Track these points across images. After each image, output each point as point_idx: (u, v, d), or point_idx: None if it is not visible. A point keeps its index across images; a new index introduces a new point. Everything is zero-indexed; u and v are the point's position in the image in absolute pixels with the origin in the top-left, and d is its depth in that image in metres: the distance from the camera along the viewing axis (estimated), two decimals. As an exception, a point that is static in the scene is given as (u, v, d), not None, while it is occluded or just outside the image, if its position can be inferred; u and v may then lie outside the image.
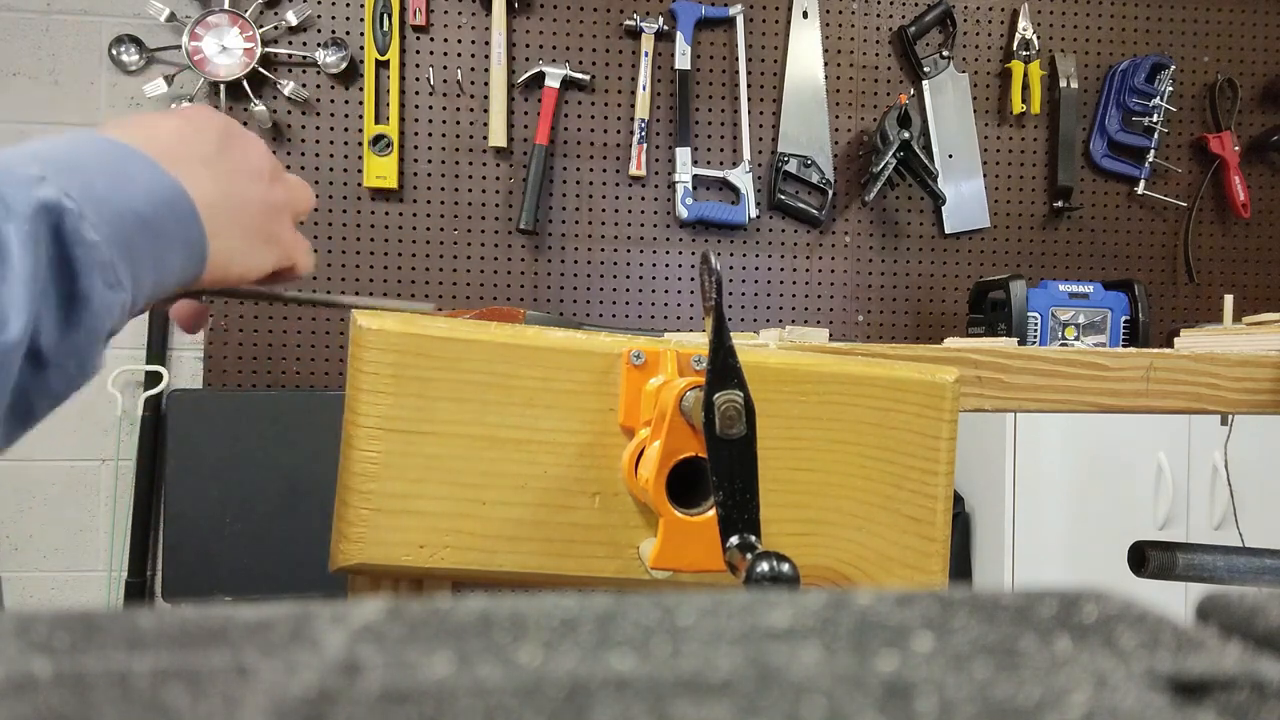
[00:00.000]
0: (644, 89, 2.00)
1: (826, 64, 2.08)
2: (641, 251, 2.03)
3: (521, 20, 1.98)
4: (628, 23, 1.99)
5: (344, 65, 1.90)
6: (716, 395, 0.41)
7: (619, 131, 2.02)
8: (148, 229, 0.40)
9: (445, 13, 1.96)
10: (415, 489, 0.49)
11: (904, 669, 0.15)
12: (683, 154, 2.00)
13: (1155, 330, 2.08)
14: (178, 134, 0.45)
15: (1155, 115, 2.12)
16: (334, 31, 1.92)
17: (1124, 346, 1.63)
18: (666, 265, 2.03)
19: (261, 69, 1.86)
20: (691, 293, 2.04)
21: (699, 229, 2.04)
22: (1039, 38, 2.12)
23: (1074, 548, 1.81)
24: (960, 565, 1.92)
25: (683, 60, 2.01)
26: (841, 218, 2.09)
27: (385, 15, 1.90)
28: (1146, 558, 0.80)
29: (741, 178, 2.02)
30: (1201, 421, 1.81)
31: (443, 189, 1.96)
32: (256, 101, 1.85)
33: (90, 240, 0.37)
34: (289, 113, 1.92)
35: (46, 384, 0.38)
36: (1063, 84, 2.12)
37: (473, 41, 1.97)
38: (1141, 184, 2.14)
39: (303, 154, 1.92)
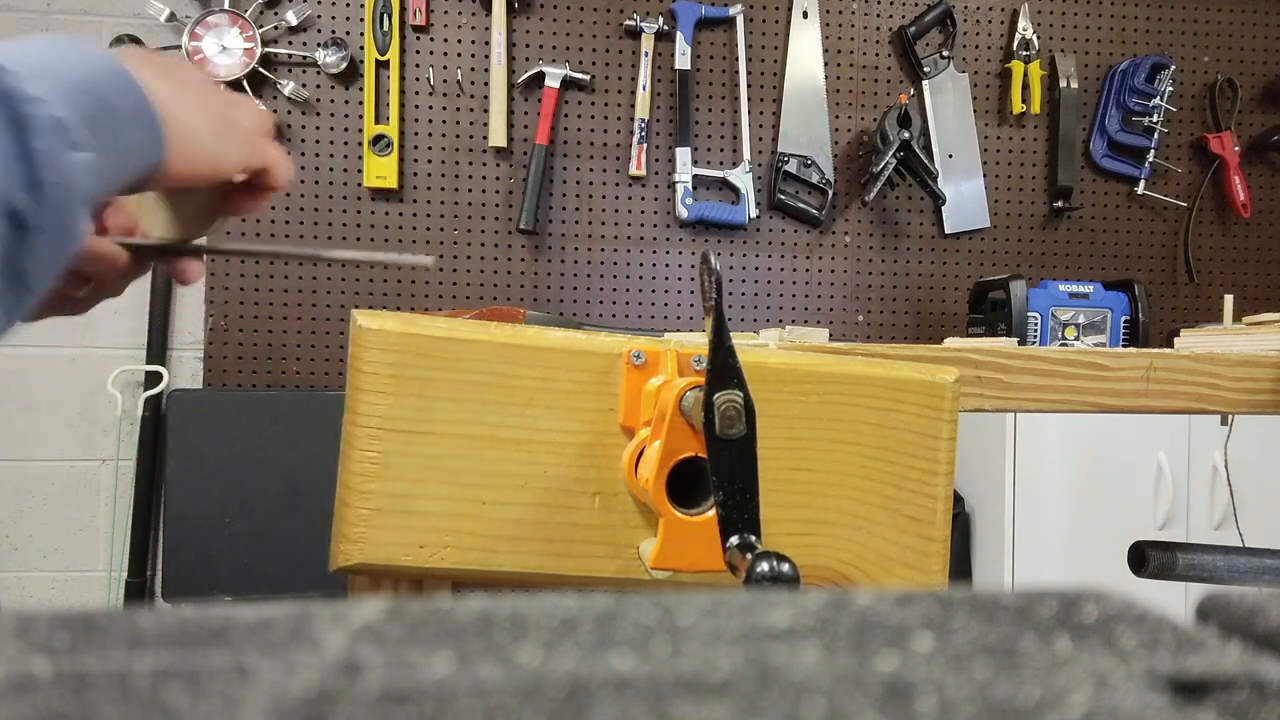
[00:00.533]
0: (644, 89, 2.00)
1: (826, 64, 2.08)
2: (641, 251, 2.03)
3: (521, 20, 1.98)
4: (628, 23, 1.99)
5: (344, 65, 1.90)
6: (716, 395, 0.41)
7: (619, 131, 2.02)
8: (93, 97, 0.41)
9: (445, 13, 1.96)
10: (415, 489, 0.49)
11: (904, 669, 0.15)
12: (683, 154, 2.00)
13: (1155, 330, 2.08)
14: (116, 51, 0.47)
15: (1155, 115, 2.12)
16: (334, 31, 1.92)
17: (1124, 346, 1.63)
18: (666, 265, 2.03)
19: (261, 69, 1.86)
20: (691, 293, 2.04)
21: (699, 229, 2.04)
22: (1039, 38, 2.12)
23: (1074, 548, 1.81)
24: (960, 565, 1.92)
25: (683, 60, 2.01)
26: (841, 218, 2.09)
27: (385, 15, 1.90)
28: (1146, 558, 0.80)
29: (741, 178, 2.02)
30: (1201, 421, 1.81)
31: (443, 189, 1.96)
32: (257, 101, 1.85)
33: (34, 95, 0.37)
34: (289, 113, 1.92)
35: (34, 250, 0.38)
36: (1063, 84, 2.12)
37: (473, 41, 1.97)
38: (1141, 184, 2.14)
39: (303, 154, 1.92)
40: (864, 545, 0.55)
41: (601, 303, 2.01)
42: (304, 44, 1.92)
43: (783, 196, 2.03)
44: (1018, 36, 2.11)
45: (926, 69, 2.09)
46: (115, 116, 0.42)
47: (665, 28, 2.00)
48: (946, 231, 2.11)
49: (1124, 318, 1.74)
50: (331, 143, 1.93)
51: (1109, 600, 0.18)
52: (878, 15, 2.10)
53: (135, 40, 1.85)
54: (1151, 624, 0.17)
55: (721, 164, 2.04)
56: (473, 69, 1.97)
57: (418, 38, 1.95)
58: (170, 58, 0.50)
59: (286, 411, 1.86)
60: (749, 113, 2.04)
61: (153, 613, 0.17)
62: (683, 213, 1.99)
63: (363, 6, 1.93)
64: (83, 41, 0.43)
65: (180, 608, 0.17)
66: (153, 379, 1.85)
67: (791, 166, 2.04)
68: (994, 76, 2.14)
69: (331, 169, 1.93)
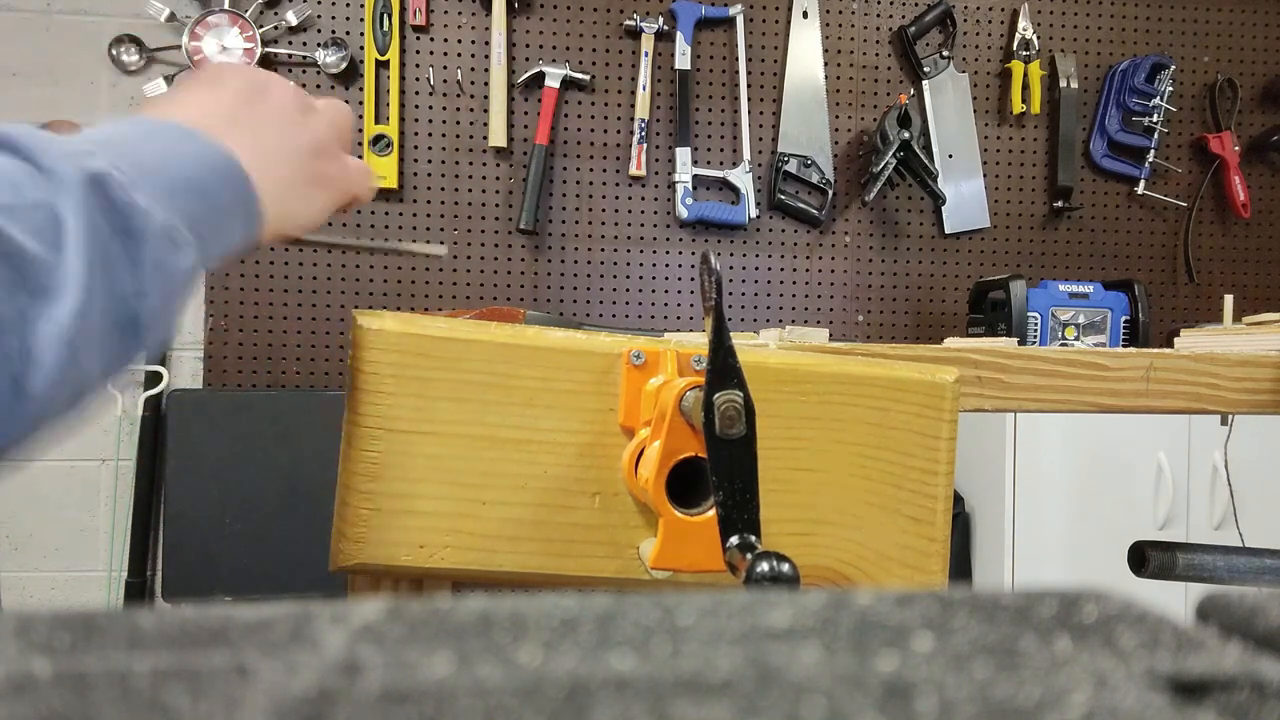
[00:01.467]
0: (644, 89, 2.00)
1: (826, 64, 2.08)
2: (641, 251, 2.03)
3: (521, 20, 1.98)
4: (628, 23, 1.99)
5: (344, 65, 1.90)
6: (716, 395, 0.41)
7: (619, 131, 2.02)
8: (200, 196, 0.41)
9: (445, 13, 1.96)
10: (415, 489, 0.49)
11: (904, 669, 0.15)
12: (683, 154, 2.00)
13: (1155, 330, 2.08)
14: (203, 103, 0.46)
15: (1155, 115, 2.12)
16: (334, 31, 1.92)
17: (1124, 346, 1.63)
18: (666, 265, 2.03)
19: (261, 69, 1.86)
20: (691, 293, 2.04)
21: (699, 229, 2.04)
22: (1039, 38, 2.12)
23: (1074, 548, 1.81)
24: (960, 565, 1.92)
25: (683, 60, 2.01)
26: (841, 218, 2.09)
27: (385, 15, 1.90)
28: (1146, 558, 0.80)
29: (741, 178, 2.02)
30: (1201, 421, 1.81)
31: (443, 189, 1.96)
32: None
33: (145, 208, 0.38)
34: (289, 113, 1.91)
35: (135, 352, 0.39)
36: (1063, 84, 2.12)
37: (473, 41, 1.97)
38: (1141, 184, 2.14)
39: (303, 154, 1.92)
40: (864, 545, 0.55)
41: (601, 303, 2.01)
42: (304, 44, 1.92)
43: (783, 196, 2.03)
44: (1018, 36, 2.11)
45: (926, 69, 2.09)
46: (220, 212, 0.43)
47: (665, 28, 2.00)
48: (946, 231, 2.11)
49: (1124, 318, 1.74)
50: (331, 143, 1.93)
51: (1109, 600, 0.18)
52: (878, 15, 2.10)
53: (135, 40, 1.85)
54: (1151, 624, 0.17)
55: (721, 164, 2.04)
56: (473, 69, 1.97)
57: (418, 38, 1.95)
58: (250, 82, 0.49)
59: (286, 411, 1.86)
60: (749, 113, 2.04)
61: (153, 613, 0.17)
62: (683, 213, 1.99)
63: (363, 6, 1.93)
64: (191, 134, 0.42)
65: (180, 608, 0.17)
66: (153, 379, 1.85)
67: (791, 166, 2.04)
68: (994, 76, 2.14)
69: (331, 169, 1.93)
